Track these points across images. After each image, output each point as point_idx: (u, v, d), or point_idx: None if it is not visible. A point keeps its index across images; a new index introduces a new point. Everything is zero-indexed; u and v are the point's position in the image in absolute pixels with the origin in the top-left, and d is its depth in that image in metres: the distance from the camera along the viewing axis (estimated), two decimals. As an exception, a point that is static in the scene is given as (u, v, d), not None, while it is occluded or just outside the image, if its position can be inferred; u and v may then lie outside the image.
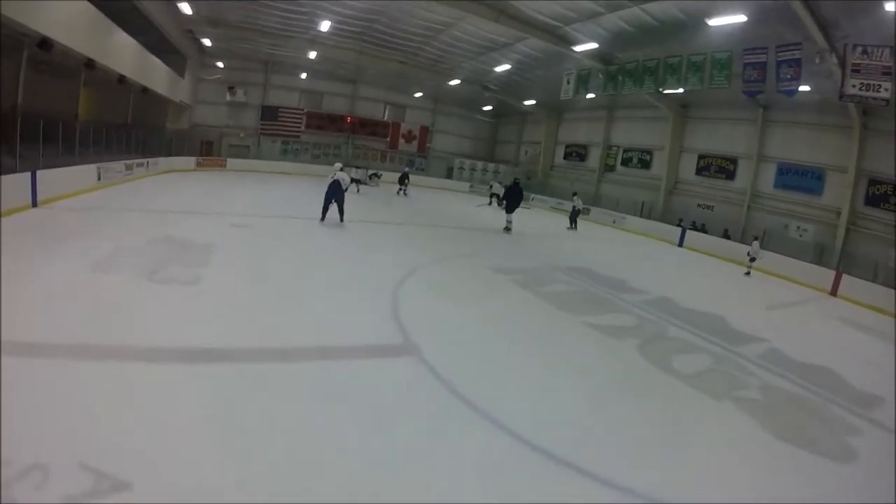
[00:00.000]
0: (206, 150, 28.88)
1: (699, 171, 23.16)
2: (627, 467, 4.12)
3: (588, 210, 25.37)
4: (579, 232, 20.97)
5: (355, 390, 4.76)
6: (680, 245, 21.17)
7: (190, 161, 25.61)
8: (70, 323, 5.26)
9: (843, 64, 13.90)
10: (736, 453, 4.65)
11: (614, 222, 25.69)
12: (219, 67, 28.82)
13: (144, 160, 19.63)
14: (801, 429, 5.35)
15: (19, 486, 2.86)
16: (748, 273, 16.12)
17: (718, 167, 22.32)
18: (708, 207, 22.56)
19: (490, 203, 26.21)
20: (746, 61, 16.18)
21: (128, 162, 17.57)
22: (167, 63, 21.84)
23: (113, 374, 4.38)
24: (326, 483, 3.42)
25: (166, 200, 15.13)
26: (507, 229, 16.80)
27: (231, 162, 28.30)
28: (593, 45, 19.68)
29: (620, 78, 20.87)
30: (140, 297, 6.33)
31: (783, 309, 12.08)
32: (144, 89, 19.20)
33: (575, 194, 22.83)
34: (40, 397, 3.83)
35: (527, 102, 31.54)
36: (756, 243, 16.33)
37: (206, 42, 23.22)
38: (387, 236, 13.84)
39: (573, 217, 21.70)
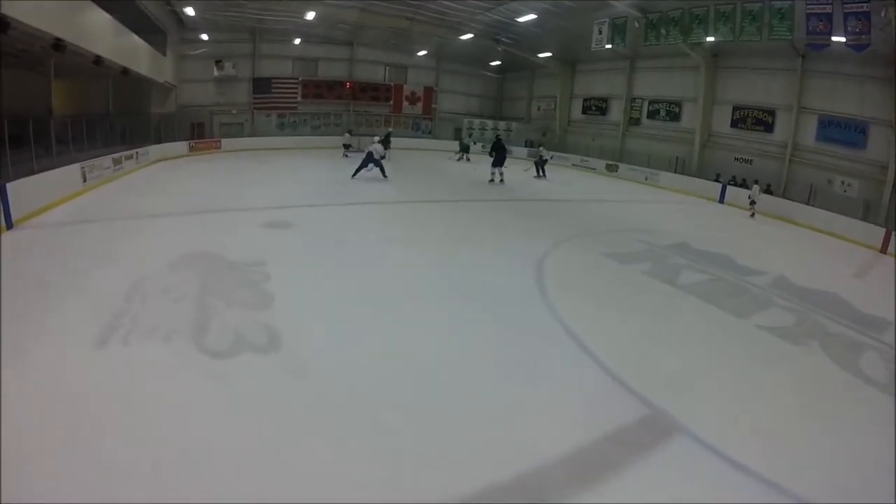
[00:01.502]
0: (198, 132, 26.58)
1: (734, 124, 21.55)
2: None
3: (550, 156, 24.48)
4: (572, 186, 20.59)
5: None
6: (721, 202, 20.02)
7: (182, 146, 23.42)
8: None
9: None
10: None
11: (646, 179, 24.36)
12: (202, 41, 26.17)
13: (133, 151, 17.57)
14: None
15: None
16: (752, 215, 17.28)
17: (755, 119, 20.69)
18: (746, 161, 21.11)
19: (459, 157, 26.65)
20: (810, 11, 14.74)
21: (115, 156, 15.53)
22: (146, 41, 19.46)
23: None
24: None
25: (172, 198, 13.17)
26: (492, 181, 18.42)
27: (225, 142, 26.12)
28: (641, -10, 17.52)
29: (662, 28, 18.86)
30: (198, 401, 4.08)
31: (866, 277, 11.37)
32: (125, 71, 16.89)
33: (541, 145, 24.42)
34: None
35: (541, 55, 29.06)
36: (756, 187, 17.50)
37: (189, 11, 20.54)
38: (457, 215, 13.14)
39: (540, 165, 22.53)
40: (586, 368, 5.31)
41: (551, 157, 24.22)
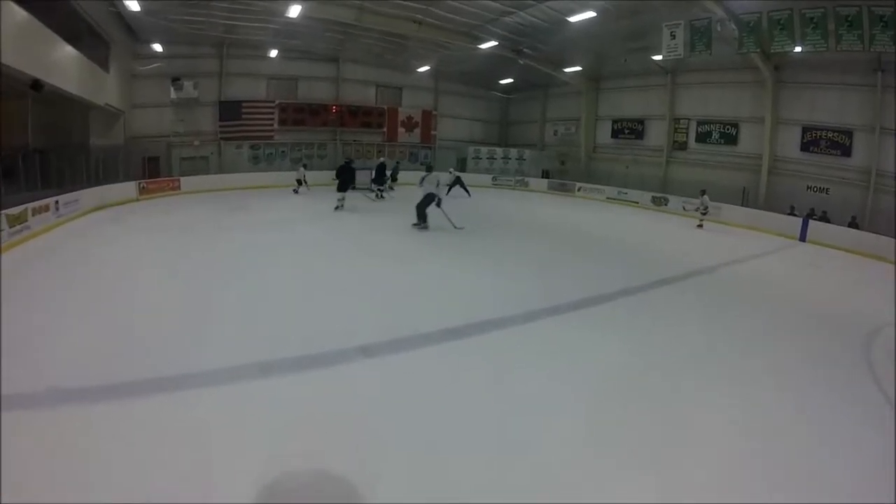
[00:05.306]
0: (152, 169, 21.19)
1: (805, 147, 18.46)
2: None
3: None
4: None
5: None
6: (802, 240, 16.49)
7: (130, 188, 18.02)
8: None
9: None
10: None
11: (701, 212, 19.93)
12: (156, 54, 20.98)
13: (50, 200, 12.22)
14: None
15: None
16: (700, 225, 17.48)
17: (830, 142, 17.56)
18: (821, 191, 18.07)
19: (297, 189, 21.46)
20: None
21: (11, 211, 10.07)
22: (80, 51, 14.29)
23: None
24: None
25: (80, 328, 5.83)
26: (338, 208, 16.75)
27: (185, 181, 20.78)
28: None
29: (766, 31, 15.31)
30: None
31: None
32: (35, 85, 11.54)
33: (453, 170, 23.05)
34: None
35: (568, 70, 24.81)
36: (705, 197, 17.40)
37: (133, 6, 15.23)
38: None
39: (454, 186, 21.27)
40: None
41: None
